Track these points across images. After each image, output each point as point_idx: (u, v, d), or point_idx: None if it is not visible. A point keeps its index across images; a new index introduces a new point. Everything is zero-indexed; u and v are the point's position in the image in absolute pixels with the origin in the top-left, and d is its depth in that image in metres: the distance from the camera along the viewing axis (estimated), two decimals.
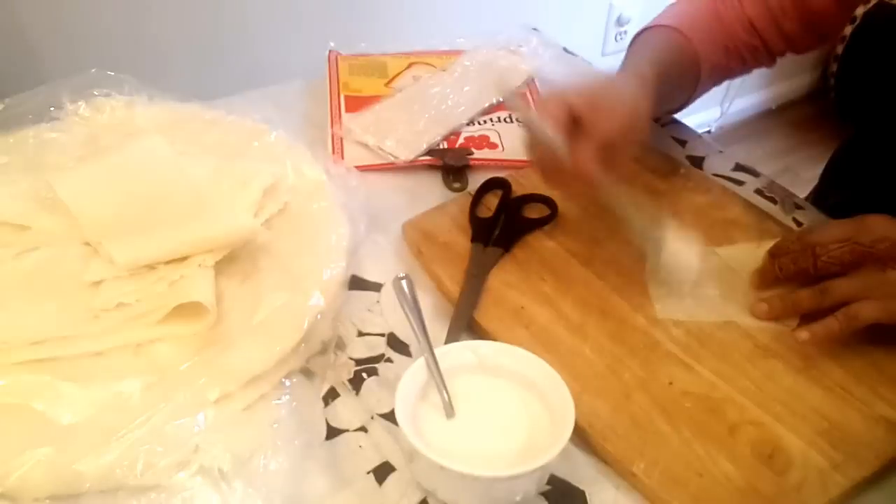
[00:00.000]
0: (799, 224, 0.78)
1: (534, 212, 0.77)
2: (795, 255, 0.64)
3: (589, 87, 0.68)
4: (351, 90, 0.97)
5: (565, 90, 0.67)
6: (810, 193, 0.95)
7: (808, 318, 0.63)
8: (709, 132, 2.38)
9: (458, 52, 1.04)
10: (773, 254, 0.66)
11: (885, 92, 0.74)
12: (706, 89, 0.84)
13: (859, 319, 0.59)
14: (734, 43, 0.81)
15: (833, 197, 0.90)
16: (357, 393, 0.62)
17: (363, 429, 0.59)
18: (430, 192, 0.83)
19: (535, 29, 1.12)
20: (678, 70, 0.78)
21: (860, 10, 0.74)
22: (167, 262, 0.65)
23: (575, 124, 0.65)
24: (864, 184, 0.83)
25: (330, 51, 1.04)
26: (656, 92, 0.71)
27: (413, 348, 0.65)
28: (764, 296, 0.66)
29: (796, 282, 0.64)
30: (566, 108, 0.65)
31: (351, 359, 0.64)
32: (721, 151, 0.89)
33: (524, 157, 0.86)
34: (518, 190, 0.80)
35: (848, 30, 0.76)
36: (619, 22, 1.96)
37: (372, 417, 0.60)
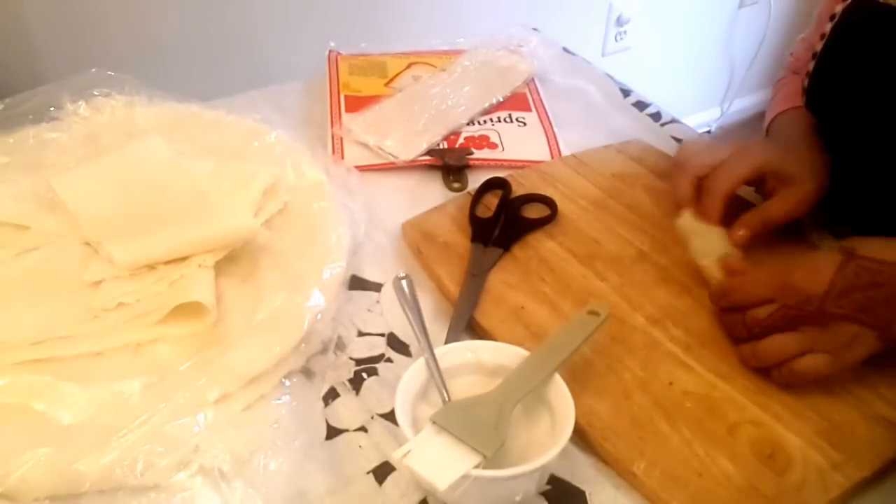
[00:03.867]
0: (797, 222, 0.77)
1: (533, 212, 0.77)
2: (727, 323, 0.63)
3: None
4: (351, 90, 0.97)
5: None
6: None
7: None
8: (709, 132, 2.38)
9: (458, 52, 1.04)
10: (712, 301, 0.66)
11: (858, 88, 0.73)
12: None
13: (805, 376, 0.58)
14: None
15: (833, 197, 0.90)
16: (357, 393, 0.62)
17: (363, 429, 0.59)
18: (430, 192, 0.83)
19: (535, 29, 1.12)
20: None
21: (839, 7, 0.74)
22: (167, 262, 0.65)
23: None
24: (851, 182, 0.83)
25: (330, 51, 1.04)
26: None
27: (413, 348, 0.65)
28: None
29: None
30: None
31: (351, 359, 0.64)
32: None
33: (524, 158, 0.87)
34: (518, 190, 0.80)
35: (827, 27, 0.75)
36: (619, 22, 1.97)
37: (372, 417, 0.60)
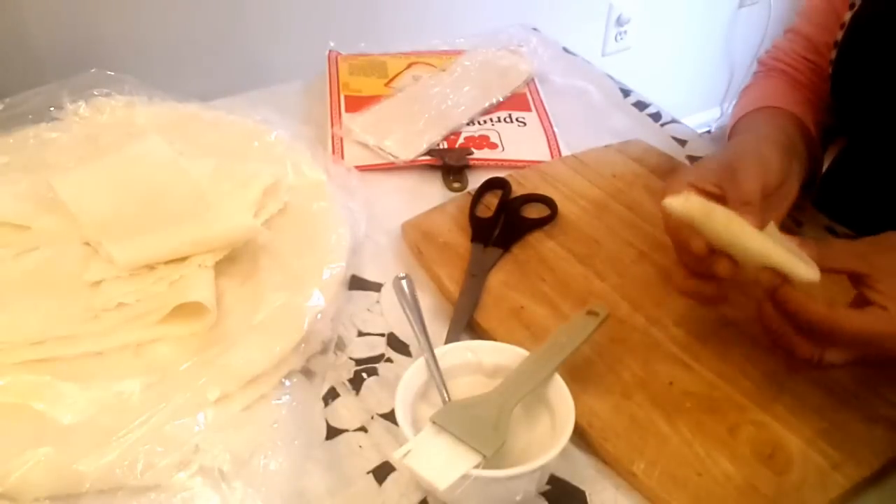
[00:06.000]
0: (797, 222, 0.77)
1: (533, 212, 0.77)
2: (780, 333, 0.57)
3: (712, 167, 0.65)
4: (351, 90, 0.97)
5: (691, 177, 0.64)
6: (814, 193, 0.95)
7: None
8: (709, 132, 2.38)
9: (458, 52, 1.04)
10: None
11: (881, 77, 0.72)
12: (820, 151, 0.80)
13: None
14: (823, 97, 0.80)
15: (835, 198, 0.90)
16: (357, 393, 0.62)
17: (363, 429, 0.59)
18: (430, 192, 0.83)
19: (535, 29, 1.12)
20: (787, 134, 0.73)
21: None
22: (167, 262, 0.65)
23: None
24: (863, 186, 0.82)
25: (330, 51, 1.04)
26: (781, 149, 0.68)
27: (413, 348, 0.65)
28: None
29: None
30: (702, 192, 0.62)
31: (351, 359, 0.64)
32: None
33: (524, 158, 0.87)
34: (518, 190, 0.80)
35: (847, 15, 0.75)
36: (619, 22, 1.96)
37: (372, 417, 0.60)
